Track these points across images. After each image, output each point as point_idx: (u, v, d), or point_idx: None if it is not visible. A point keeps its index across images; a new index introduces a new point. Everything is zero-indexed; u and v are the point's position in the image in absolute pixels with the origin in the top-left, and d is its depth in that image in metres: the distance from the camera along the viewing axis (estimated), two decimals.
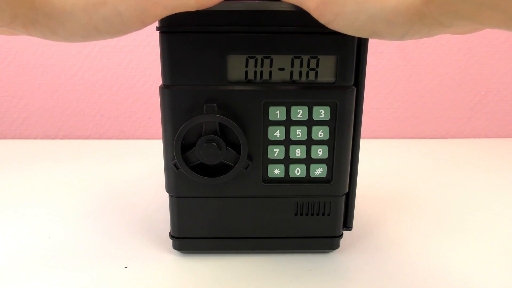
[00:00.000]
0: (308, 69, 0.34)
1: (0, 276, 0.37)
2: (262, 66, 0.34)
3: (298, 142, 0.36)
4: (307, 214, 0.38)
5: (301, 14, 0.33)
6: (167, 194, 0.38)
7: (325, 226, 0.39)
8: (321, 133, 0.36)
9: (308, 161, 0.37)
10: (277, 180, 0.37)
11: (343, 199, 0.38)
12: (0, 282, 0.36)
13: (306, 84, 0.35)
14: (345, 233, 0.41)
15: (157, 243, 0.42)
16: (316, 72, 0.35)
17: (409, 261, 0.39)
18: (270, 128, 0.36)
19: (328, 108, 0.35)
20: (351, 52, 0.34)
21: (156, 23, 0.34)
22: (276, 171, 0.37)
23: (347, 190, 0.38)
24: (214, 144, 0.34)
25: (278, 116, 0.35)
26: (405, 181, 0.58)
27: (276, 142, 0.36)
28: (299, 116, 0.35)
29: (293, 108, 0.35)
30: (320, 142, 0.36)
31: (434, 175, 0.60)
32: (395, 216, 0.48)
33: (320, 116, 0.35)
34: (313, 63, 0.34)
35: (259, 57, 0.34)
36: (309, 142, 0.36)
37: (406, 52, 0.71)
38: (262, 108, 0.35)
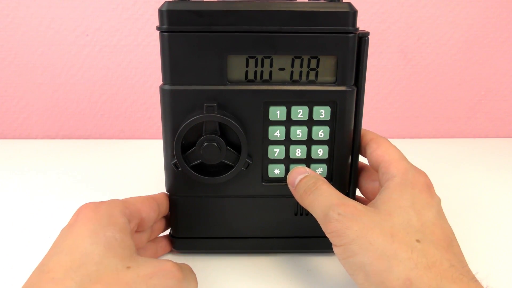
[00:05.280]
0: (308, 69, 0.34)
1: (0, 277, 0.37)
2: (262, 66, 0.34)
3: (298, 142, 0.36)
4: (307, 214, 0.38)
5: (302, 14, 0.33)
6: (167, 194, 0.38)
7: None
8: (321, 133, 0.36)
9: (308, 161, 0.37)
10: (277, 180, 0.37)
11: None
12: (0, 283, 0.36)
13: (306, 84, 0.35)
14: None
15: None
16: (317, 72, 0.35)
17: None
18: (270, 128, 0.36)
19: (328, 108, 0.35)
20: (351, 52, 0.34)
21: (157, 23, 0.34)
22: (276, 171, 0.37)
23: (347, 190, 0.38)
24: (214, 144, 0.34)
25: (278, 116, 0.35)
26: None
27: (276, 142, 0.36)
28: (299, 116, 0.35)
29: (293, 108, 0.35)
30: (320, 142, 0.36)
31: (434, 175, 0.60)
32: None
33: (320, 116, 0.35)
34: (313, 63, 0.34)
35: (259, 57, 0.34)
36: (309, 142, 0.36)
37: (406, 52, 0.71)
38: (263, 108, 0.35)
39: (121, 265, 0.27)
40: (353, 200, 0.31)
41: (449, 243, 0.29)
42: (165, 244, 0.39)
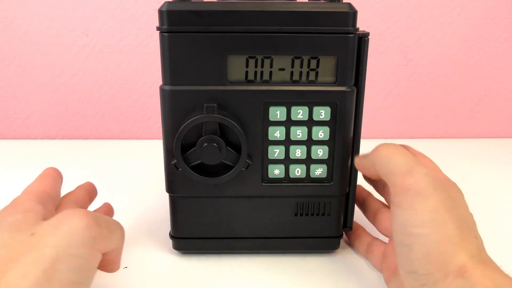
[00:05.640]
0: (308, 70, 0.34)
1: None
2: (262, 66, 0.34)
3: (298, 143, 0.36)
4: (307, 214, 0.38)
5: (302, 15, 0.33)
6: (167, 194, 0.38)
7: (325, 226, 0.39)
8: (321, 133, 0.36)
9: (308, 161, 0.37)
10: (277, 180, 0.37)
11: (343, 199, 0.38)
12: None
13: (306, 85, 0.35)
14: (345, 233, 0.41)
15: (157, 243, 0.42)
16: (317, 73, 0.35)
17: None
18: (270, 128, 0.36)
19: (328, 109, 0.35)
20: (351, 52, 0.34)
21: (157, 23, 0.34)
22: (276, 171, 0.37)
23: (347, 190, 0.38)
24: (214, 144, 0.34)
25: (278, 117, 0.35)
26: None
27: (276, 142, 0.36)
28: (299, 116, 0.35)
29: (293, 109, 0.35)
30: (320, 143, 0.36)
31: None
32: None
33: (320, 117, 0.35)
34: (313, 63, 0.34)
35: (259, 57, 0.34)
36: (309, 142, 0.36)
37: (406, 52, 0.71)
38: (263, 108, 0.35)
39: (26, 235, 0.27)
40: None
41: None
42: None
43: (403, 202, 0.28)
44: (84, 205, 0.37)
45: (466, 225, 0.29)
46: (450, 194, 0.30)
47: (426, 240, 0.27)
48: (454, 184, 0.32)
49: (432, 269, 0.26)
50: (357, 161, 0.35)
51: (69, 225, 0.27)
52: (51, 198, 0.33)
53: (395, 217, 0.29)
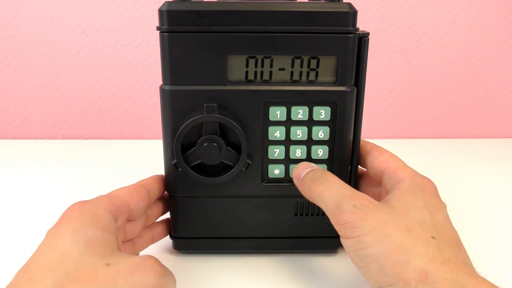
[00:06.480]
0: (308, 69, 0.34)
1: (0, 280, 0.37)
2: (262, 66, 0.34)
3: (298, 142, 0.36)
4: (307, 214, 0.38)
5: (302, 14, 0.33)
6: (167, 194, 0.38)
7: (325, 226, 0.38)
8: (321, 133, 0.36)
9: (308, 161, 0.37)
10: (277, 180, 0.37)
11: None
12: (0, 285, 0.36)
13: (306, 84, 0.35)
14: None
15: (157, 243, 0.41)
16: (317, 73, 0.35)
17: None
18: (271, 128, 0.36)
19: (328, 108, 0.35)
20: (351, 52, 0.34)
21: (157, 23, 0.34)
22: (276, 171, 0.37)
23: None
24: (214, 144, 0.34)
25: (278, 116, 0.35)
26: None
27: (276, 142, 0.36)
28: (299, 116, 0.35)
29: (293, 108, 0.35)
30: (320, 142, 0.36)
31: (434, 175, 0.60)
32: None
33: (321, 116, 0.35)
34: (313, 63, 0.34)
35: (259, 57, 0.34)
36: (309, 142, 0.36)
37: (406, 52, 0.71)
38: (263, 108, 0.35)
39: (101, 262, 0.27)
40: (366, 194, 0.31)
41: (458, 245, 0.29)
42: (162, 229, 0.39)
43: (347, 234, 0.29)
44: (154, 196, 0.37)
45: (420, 227, 0.29)
46: (398, 202, 0.31)
47: (376, 257, 0.28)
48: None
49: (392, 279, 0.27)
50: (297, 182, 0.34)
51: (142, 278, 0.27)
52: (128, 213, 0.33)
53: (345, 247, 0.30)
